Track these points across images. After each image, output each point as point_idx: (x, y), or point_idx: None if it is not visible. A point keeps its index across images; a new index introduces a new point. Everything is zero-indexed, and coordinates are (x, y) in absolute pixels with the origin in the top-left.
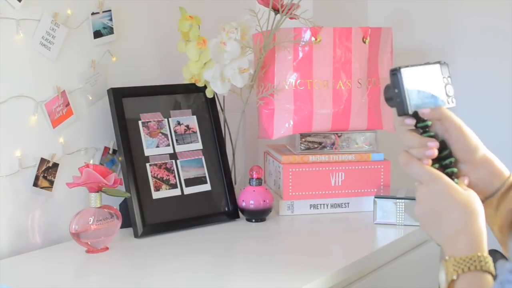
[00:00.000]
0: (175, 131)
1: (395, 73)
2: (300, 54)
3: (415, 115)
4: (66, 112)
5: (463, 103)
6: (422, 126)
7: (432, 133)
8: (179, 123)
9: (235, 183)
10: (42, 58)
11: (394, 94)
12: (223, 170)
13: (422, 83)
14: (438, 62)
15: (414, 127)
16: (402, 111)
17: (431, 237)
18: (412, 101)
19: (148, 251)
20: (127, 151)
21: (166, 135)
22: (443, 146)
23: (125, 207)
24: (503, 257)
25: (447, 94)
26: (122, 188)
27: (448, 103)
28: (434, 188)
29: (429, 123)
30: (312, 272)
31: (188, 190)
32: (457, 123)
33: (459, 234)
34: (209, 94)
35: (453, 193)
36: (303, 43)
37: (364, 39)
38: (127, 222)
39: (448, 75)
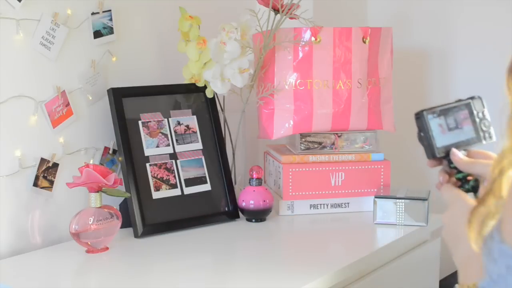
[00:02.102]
0: (175, 131)
1: (418, 117)
2: (300, 54)
3: (447, 156)
4: (66, 112)
5: None
6: (454, 167)
7: (465, 173)
8: (179, 123)
9: (235, 183)
10: (42, 58)
11: (420, 138)
12: (223, 170)
13: (451, 123)
14: (470, 98)
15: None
16: (431, 155)
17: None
18: (439, 144)
19: (148, 251)
20: (127, 151)
21: (166, 135)
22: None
23: (125, 207)
24: None
25: (482, 130)
26: (122, 188)
27: (485, 139)
28: (456, 211)
29: None
30: (312, 272)
31: (188, 190)
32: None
33: (471, 260)
34: (209, 94)
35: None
36: (303, 43)
37: (364, 39)
38: (127, 222)
39: (483, 109)
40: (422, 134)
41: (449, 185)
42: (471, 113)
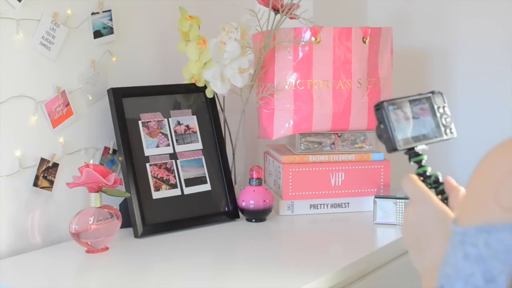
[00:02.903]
0: (175, 131)
1: (378, 107)
2: (300, 54)
3: (409, 150)
4: (66, 112)
5: (464, 103)
6: (416, 161)
7: (426, 168)
8: (179, 123)
9: (235, 183)
10: (42, 58)
11: (380, 131)
12: (223, 170)
13: (412, 116)
14: (431, 92)
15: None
16: (391, 148)
17: (412, 262)
18: (400, 136)
19: (148, 251)
20: (127, 151)
21: (166, 135)
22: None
23: (125, 207)
24: None
25: (443, 125)
26: (122, 188)
27: (446, 134)
28: (423, 212)
29: (423, 157)
30: (312, 272)
31: (188, 190)
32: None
33: (437, 270)
34: (209, 94)
35: (441, 223)
36: (303, 43)
37: (364, 39)
38: (127, 222)
39: (444, 104)
40: (381, 126)
41: (413, 177)
42: (431, 107)
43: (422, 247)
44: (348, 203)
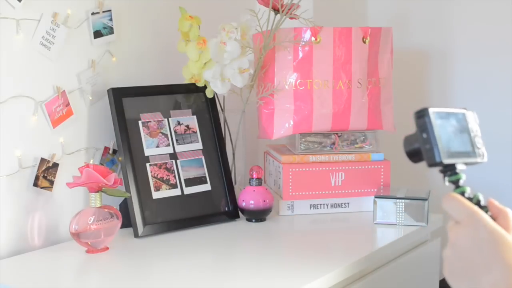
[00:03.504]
0: (175, 131)
1: (422, 115)
2: (300, 54)
3: (448, 166)
4: (66, 112)
5: (463, 103)
6: (453, 180)
7: (465, 188)
8: (179, 123)
9: (235, 183)
10: (42, 58)
11: (422, 141)
12: (223, 170)
13: (452, 130)
14: (465, 109)
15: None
16: (433, 161)
17: None
18: (445, 148)
19: (148, 251)
20: (127, 151)
21: (166, 135)
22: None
23: (125, 207)
24: None
25: (476, 146)
26: (122, 188)
27: (479, 156)
28: (476, 233)
29: (461, 176)
30: (312, 272)
31: (188, 190)
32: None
33: None
34: (209, 94)
35: (499, 245)
36: (303, 43)
37: (364, 39)
38: (127, 222)
39: (476, 125)
40: (424, 135)
41: (457, 196)
42: (467, 124)
43: (477, 274)
44: (348, 203)
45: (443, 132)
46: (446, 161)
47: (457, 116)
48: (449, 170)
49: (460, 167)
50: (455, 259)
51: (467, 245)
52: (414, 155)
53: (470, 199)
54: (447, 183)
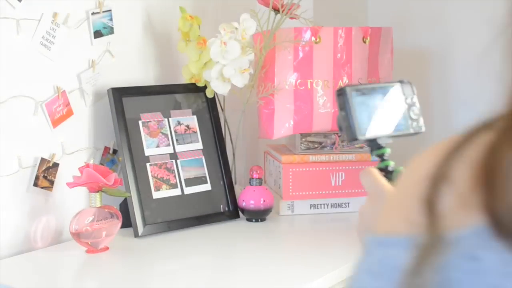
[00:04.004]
0: (175, 131)
1: (340, 93)
2: (300, 54)
3: (371, 142)
4: (66, 112)
5: (463, 103)
6: (378, 154)
7: (388, 162)
8: (179, 123)
9: (235, 183)
10: (42, 58)
11: (341, 118)
12: (223, 170)
13: (376, 105)
14: (400, 82)
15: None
16: (351, 137)
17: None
18: (363, 125)
19: (148, 251)
20: (127, 151)
21: (166, 135)
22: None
23: (125, 207)
24: None
25: (411, 118)
26: (122, 188)
27: (413, 127)
28: (376, 206)
29: (386, 150)
30: (312, 272)
31: (188, 190)
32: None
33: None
34: (209, 94)
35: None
36: (303, 43)
37: (364, 39)
38: (127, 222)
39: (413, 95)
40: (343, 113)
41: (372, 171)
42: (399, 97)
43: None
44: (348, 203)
45: (363, 108)
46: (363, 137)
47: (384, 90)
48: (373, 145)
49: (382, 141)
50: (360, 227)
51: (369, 218)
52: (340, 131)
53: (391, 172)
54: (373, 157)
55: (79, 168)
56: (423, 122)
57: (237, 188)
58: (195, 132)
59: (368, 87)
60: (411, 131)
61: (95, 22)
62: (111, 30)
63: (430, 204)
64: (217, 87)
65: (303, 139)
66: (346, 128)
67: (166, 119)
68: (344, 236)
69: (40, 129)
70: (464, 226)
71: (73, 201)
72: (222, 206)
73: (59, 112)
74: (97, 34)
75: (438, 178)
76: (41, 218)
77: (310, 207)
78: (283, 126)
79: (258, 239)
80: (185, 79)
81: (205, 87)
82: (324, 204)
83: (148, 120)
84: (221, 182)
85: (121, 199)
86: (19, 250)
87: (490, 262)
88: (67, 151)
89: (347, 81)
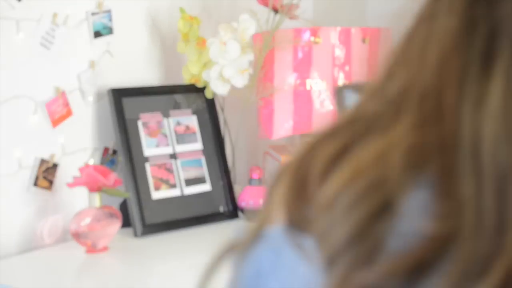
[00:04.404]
0: (175, 131)
1: (337, 92)
2: (300, 54)
3: None
4: (66, 112)
5: None
6: None
7: None
8: (179, 123)
9: (235, 183)
10: (42, 58)
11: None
12: (223, 170)
13: None
14: None
15: None
16: None
17: None
18: None
19: (148, 251)
20: (127, 151)
21: (165, 135)
22: None
23: (124, 207)
24: None
25: None
26: (121, 188)
27: None
28: None
29: None
30: None
31: (188, 190)
32: None
33: None
34: (209, 95)
35: None
36: (303, 43)
37: (364, 40)
38: (127, 222)
39: None
40: (339, 111)
41: None
42: None
43: None
44: None
45: None
46: None
47: None
48: None
49: None
50: None
51: None
52: None
53: None
54: None
55: (79, 168)
56: None
57: (236, 188)
58: (195, 133)
59: (363, 85)
60: None
61: (94, 22)
62: (110, 30)
63: (265, 197)
64: (217, 88)
65: (303, 139)
66: None
67: (165, 119)
68: None
69: (40, 129)
70: (277, 222)
71: (72, 201)
72: (221, 206)
73: (59, 112)
74: (97, 34)
75: (279, 173)
76: (40, 218)
77: None
78: (283, 126)
79: None
80: (185, 80)
81: (204, 87)
82: None
83: (147, 121)
84: (221, 182)
85: (121, 199)
86: (18, 250)
87: (288, 258)
88: (67, 151)
89: (347, 81)
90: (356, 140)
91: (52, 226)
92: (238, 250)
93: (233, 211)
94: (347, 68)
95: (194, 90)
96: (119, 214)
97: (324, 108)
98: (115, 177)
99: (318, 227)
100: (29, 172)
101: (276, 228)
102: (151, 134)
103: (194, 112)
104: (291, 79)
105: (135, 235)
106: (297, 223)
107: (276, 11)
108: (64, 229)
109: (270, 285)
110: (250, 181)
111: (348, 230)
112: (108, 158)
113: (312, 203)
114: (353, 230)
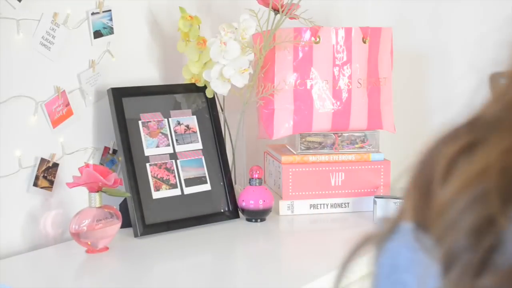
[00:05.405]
0: (175, 131)
1: None
2: (300, 54)
3: None
4: (66, 112)
5: (462, 104)
6: None
7: None
8: (179, 123)
9: (235, 183)
10: (42, 58)
11: None
12: (223, 170)
13: None
14: None
15: None
16: None
17: None
18: None
19: (148, 251)
20: (127, 151)
21: (166, 135)
22: None
23: (125, 207)
24: None
25: None
26: (122, 188)
27: None
28: None
29: None
30: (312, 272)
31: (188, 190)
32: None
33: None
34: (209, 94)
35: None
36: (303, 43)
37: (364, 39)
38: (127, 222)
39: None
40: None
41: None
42: None
43: None
44: (348, 203)
45: None
46: None
47: None
48: None
49: None
50: None
51: None
52: None
53: None
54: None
55: (79, 168)
56: None
57: (237, 188)
58: (195, 132)
59: None
60: None
61: (95, 22)
62: (111, 30)
63: (404, 191)
64: (217, 87)
65: (303, 139)
66: None
67: (166, 119)
68: (344, 236)
69: (40, 129)
70: (407, 220)
71: (73, 201)
72: (222, 206)
73: (59, 112)
74: (97, 34)
75: (409, 171)
76: (40, 218)
77: (310, 207)
78: (283, 126)
79: (258, 239)
80: (185, 79)
81: (205, 87)
82: (323, 204)
83: (148, 120)
84: (221, 182)
85: (121, 199)
86: (18, 250)
87: (423, 257)
88: (67, 151)
89: (347, 81)
90: (476, 143)
91: (56, 217)
92: (374, 241)
93: (233, 211)
94: (347, 68)
95: (194, 90)
96: (119, 214)
97: (324, 108)
98: (115, 177)
99: (436, 230)
100: (29, 172)
101: (409, 224)
102: (151, 134)
103: (194, 112)
104: (291, 79)
105: (135, 235)
106: (422, 222)
107: (276, 11)
108: (63, 229)
109: (405, 279)
110: (250, 181)
111: (461, 236)
112: (108, 158)
113: (434, 204)
114: (466, 236)
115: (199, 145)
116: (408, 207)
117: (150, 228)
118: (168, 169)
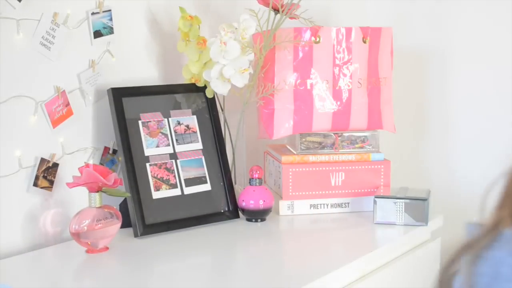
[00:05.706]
0: (175, 131)
1: None
2: (300, 54)
3: None
4: (66, 112)
5: (462, 104)
6: None
7: None
8: (179, 123)
9: (235, 183)
10: (42, 58)
11: None
12: (223, 170)
13: None
14: None
15: None
16: None
17: None
18: None
19: (148, 251)
20: (127, 151)
21: (166, 135)
22: None
23: (125, 207)
24: None
25: None
26: (122, 188)
27: None
28: None
29: None
30: (312, 272)
31: (188, 190)
32: None
33: None
34: (209, 94)
35: None
36: (303, 43)
37: (364, 39)
38: (127, 222)
39: None
40: None
41: None
42: None
43: None
44: (348, 203)
45: None
46: None
47: None
48: None
49: None
50: None
51: None
52: None
53: None
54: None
55: (79, 168)
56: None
57: (237, 188)
58: (195, 132)
59: None
60: None
61: (95, 22)
62: (111, 30)
63: (499, 198)
64: (217, 87)
65: (303, 139)
66: None
67: (166, 119)
68: (344, 236)
69: (40, 129)
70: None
71: (73, 201)
72: (222, 206)
73: (59, 112)
74: (97, 34)
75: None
76: (40, 218)
77: (310, 207)
78: (283, 126)
79: (258, 239)
80: (185, 79)
81: (205, 87)
82: (324, 204)
83: (148, 120)
84: (221, 182)
85: (121, 199)
86: (18, 250)
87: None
88: (67, 151)
89: (347, 81)
90: None
91: (56, 217)
92: (474, 249)
93: (233, 211)
94: (347, 68)
95: (194, 90)
96: (119, 214)
97: (324, 108)
98: (115, 177)
99: None
100: (29, 172)
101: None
102: (151, 134)
103: (194, 112)
104: (292, 79)
105: (135, 235)
106: None
107: (276, 11)
108: (63, 229)
109: None
110: (250, 181)
111: None
112: (108, 158)
113: None
114: None
115: (199, 145)
116: (506, 215)
117: (150, 228)
118: (168, 169)
